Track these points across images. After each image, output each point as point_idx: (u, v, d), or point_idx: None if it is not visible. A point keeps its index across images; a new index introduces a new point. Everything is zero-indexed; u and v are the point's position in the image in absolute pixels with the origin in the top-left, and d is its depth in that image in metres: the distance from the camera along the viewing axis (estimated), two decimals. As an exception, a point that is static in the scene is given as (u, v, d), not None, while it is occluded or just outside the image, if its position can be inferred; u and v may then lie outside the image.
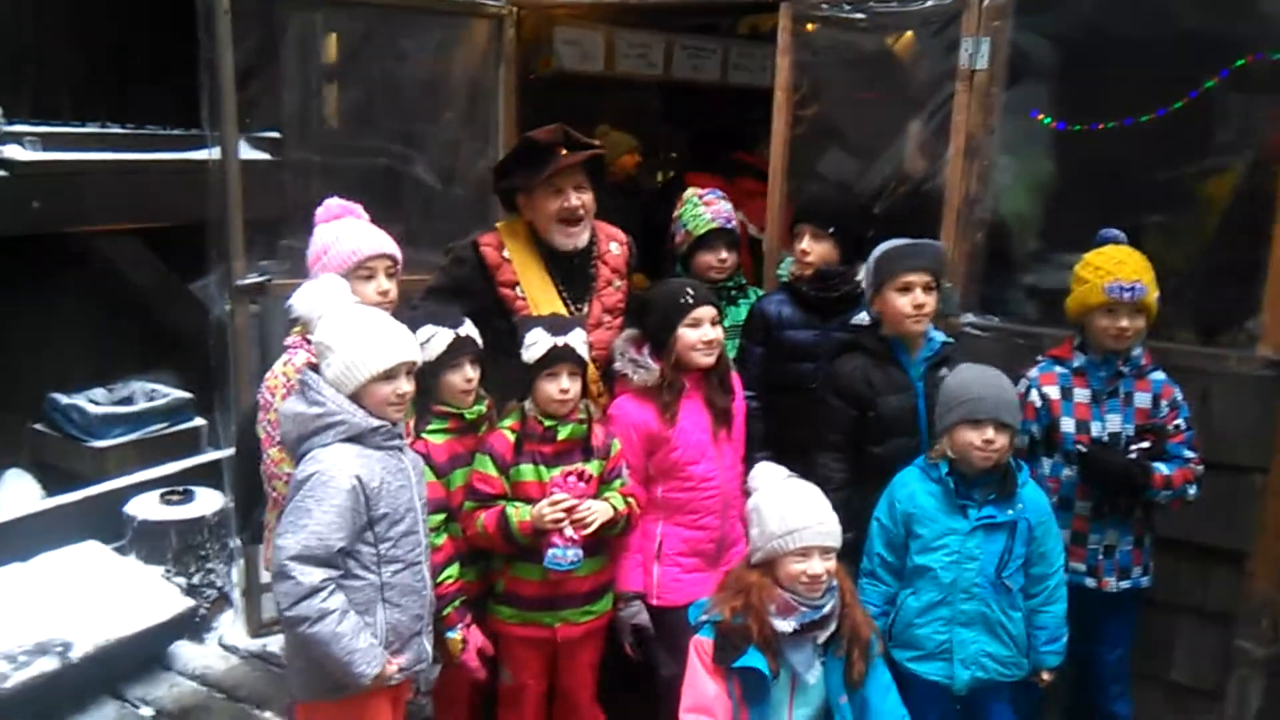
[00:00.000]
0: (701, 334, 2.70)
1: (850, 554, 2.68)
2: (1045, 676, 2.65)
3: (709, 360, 2.73)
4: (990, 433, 2.47)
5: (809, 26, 3.62)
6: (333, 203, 2.78)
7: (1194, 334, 3.20)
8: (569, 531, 2.53)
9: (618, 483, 2.69)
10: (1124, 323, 2.66)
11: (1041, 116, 3.38)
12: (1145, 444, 2.70)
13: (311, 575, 2.15)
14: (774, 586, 2.34)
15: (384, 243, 2.71)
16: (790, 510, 2.35)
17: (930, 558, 2.55)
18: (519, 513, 2.54)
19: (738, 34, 6.80)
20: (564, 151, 2.85)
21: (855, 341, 2.89)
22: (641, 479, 2.77)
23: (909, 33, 3.53)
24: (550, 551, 2.53)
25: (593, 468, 2.64)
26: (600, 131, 6.32)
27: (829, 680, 2.39)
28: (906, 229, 3.45)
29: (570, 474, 2.57)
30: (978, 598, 2.53)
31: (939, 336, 2.85)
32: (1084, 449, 2.71)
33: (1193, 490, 2.72)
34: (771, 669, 2.31)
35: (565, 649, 2.73)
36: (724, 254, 3.24)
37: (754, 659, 2.30)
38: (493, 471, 2.60)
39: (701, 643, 2.37)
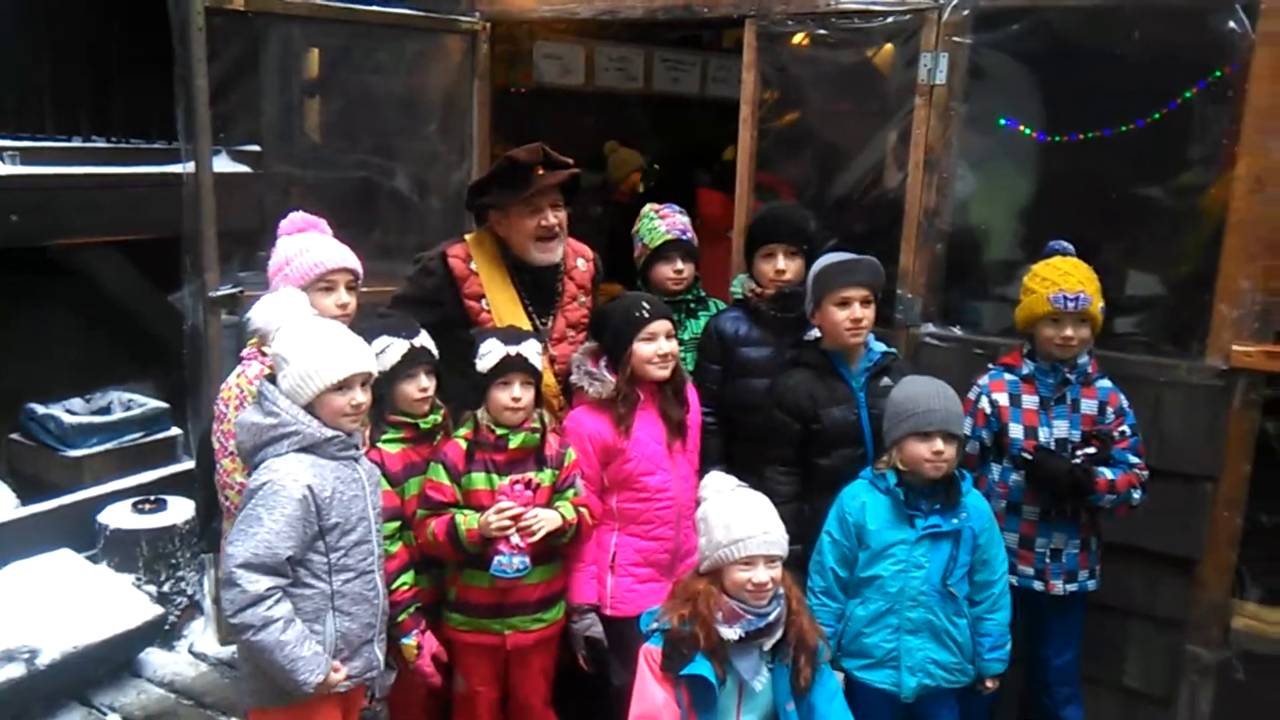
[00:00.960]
0: (656, 348, 2.74)
1: (799, 565, 2.72)
2: (989, 684, 2.68)
3: (664, 374, 2.77)
4: (940, 444, 2.52)
5: (798, 40, 3.67)
6: (297, 216, 2.82)
7: (1170, 345, 3.23)
8: (515, 539, 2.56)
9: (570, 492, 2.73)
10: (1069, 331, 2.71)
11: (1022, 128, 3.42)
12: (1091, 449, 2.73)
13: (258, 583, 2.18)
14: (721, 595, 2.35)
15: (346, 257, 2.75)
16: (736, 519, 2.36)
17: (878, 567, 2.59)
18: (467, 520, 2.57)
19: (721, 48, 6.89)
20: (542, 171, 2.89)
21: (799, 357, 2.93)
22: (597, 490, 2.81)
23: (872, 48, 3.58)
24: (496, 559, 2.57)
25: (544, 477, 2.67)
26: (609, 148, 6.44)
27: (776, 687, 2.41)
28: (868, 242, 3.52)
29: (518, 482, 2.61)
30: (924, 605, 2.57)
31: (879, 347, 2.90)
32: (1029, 455, 2.75)
33: (1138, 495, 2.76)
34: (718, 676, 2.33)
35: (517, 656, 2.76)
36: (680, 265, 3.27)
37: (701, 667, 2.32)
38: (445, 480, 2.63)
39: (650, 651, 2.40)
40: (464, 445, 2.65)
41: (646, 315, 2.74)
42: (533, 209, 2.91)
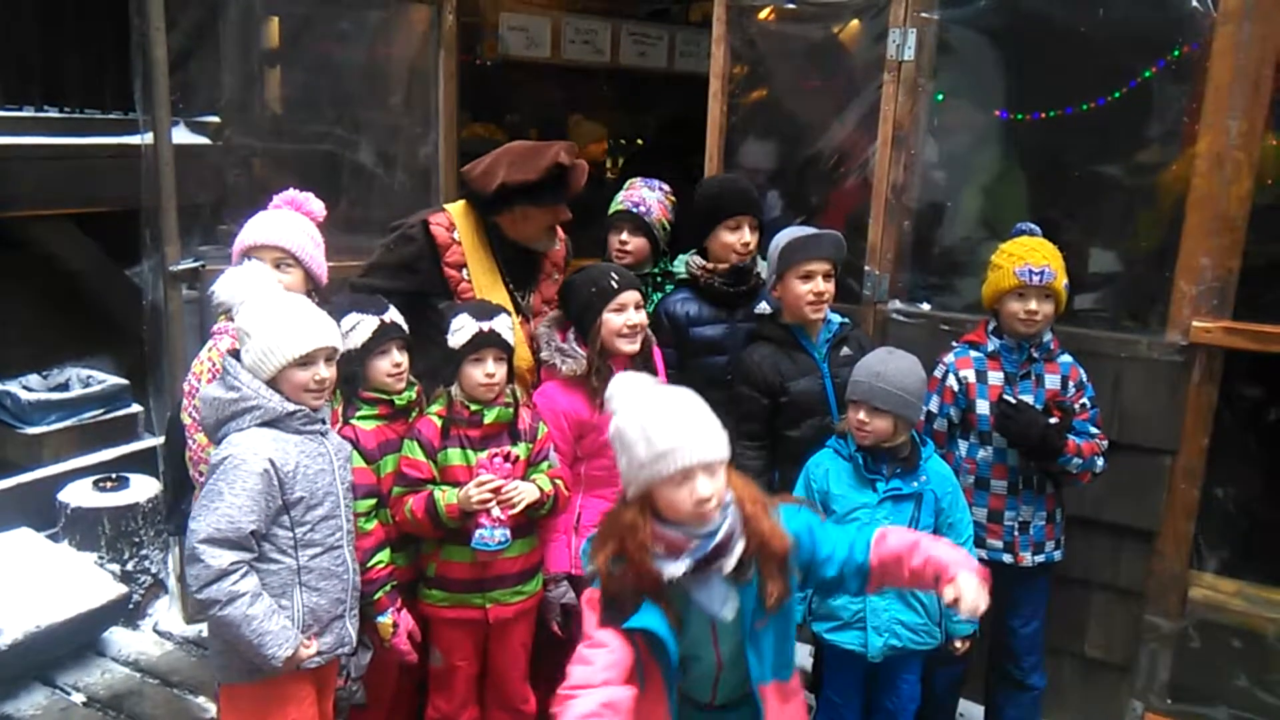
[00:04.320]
0: (626, 319, 2.72)
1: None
2: (958, 645, 2.74)
3: (633, 348, 2.75)
4: (863, 414, 2.60)
5: (765, 15, 3.66)
6: (285, 193, 2.80)
7: (1131, 320, 3.27)
8: (496, 512, 2.56)
9: (545, 465, 2.72)
10: (1033, 305, 2.76)
11: (989, 106, 3.44)
12: (1053, 419, 2.78)
13: (221, 558, 2.16)
14: (652, 523, 1.92)
15: (271, 234, 2.66)
16: (657, 429, 1.91)
17: None
18: (446, 496, 2.56)
19: (689, 22, 6.86)
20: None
21: (759, 332, 2.95)
22: (569, 462, 2.81)
23: (840, 23, 3.59)
24: (478, 532, 2.56)
25: (519, 450, 2.67)
26: (574, 121, 6.41)
27: (745, 608, 2.00)
28: (834, 218, 3.54)
29: (496, 455, 2.59)
30: None
31: (836, 318, 2.94)
32: (1010, 401, 2.77)
33: (1100, 462, 2.82)
34: (671, 622, 1.92)
35: (496, 629, 2.76)
36: (625, 236, 3.27)
37: (647, 618, 1.90)
38: (420, 456, 2.62)
39: (594, 599, 1.97)
40: (438, 422, 2.64)
41: (615, 286, 2.72)
42: (555, 204, 2.90)
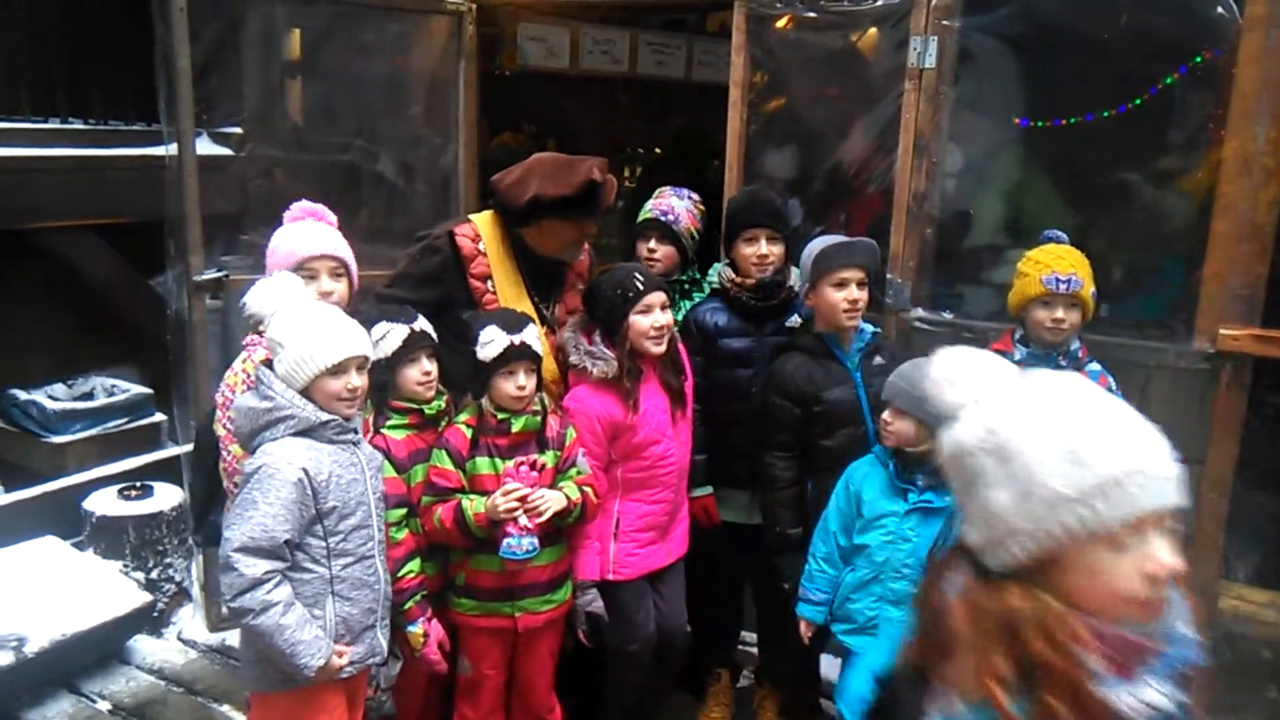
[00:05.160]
0: (653, 320, 2.72)
1: (800, 551, 2.74)
2: None
3: (660, 349, 2.76)
4: (887, 414, 2.59)
5: (784, 24, 3.66)
6: (299, 205, 2.81)
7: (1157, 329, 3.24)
8: (523, 520, 2.56)
9: (573, 472, 2.72)
10: (1060, 314, 2.74)
11: (1010, 114, 3.43)
12: None
13: (255, 567, 2.17)
14: (1077, 615, 1.18)
15: (325, 244, 2.70)
16: (1096, 441, 1.18)
17: (867, 536, 2.62)
18: (474, 505, 2.56)
19: (706, 31, 6.88)
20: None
21: (791, 342, 2.95)
22: (604, 466, 2.80)
23: (861, 31, 3.58)
24: (505, 541, 2.56)
25: (547, 458, 2.67)
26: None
27: None
28: (854, 226, 3.53)
29: (523, 463, 2.60)
30: (908, 578, 2.60)
31: (868, 328, 2.94)
32: None
33: None
34: None
35: (525, 638, 2.76)
36: (653, 244, 3.27)
37: None
38: (449, 466, 2.62)
39: None
40: (467, 431, 2.64)
41: (642, 288, 2.72)
42: (585, 220, 2.92)
